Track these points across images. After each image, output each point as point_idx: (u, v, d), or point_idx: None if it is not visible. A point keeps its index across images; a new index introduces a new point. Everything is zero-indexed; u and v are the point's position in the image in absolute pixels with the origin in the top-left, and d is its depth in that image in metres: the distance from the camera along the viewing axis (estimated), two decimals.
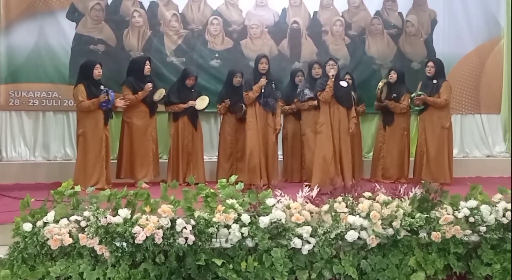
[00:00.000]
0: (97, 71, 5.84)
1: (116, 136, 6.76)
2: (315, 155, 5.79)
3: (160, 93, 6.20)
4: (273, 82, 6.00)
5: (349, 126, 5.79)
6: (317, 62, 6.47)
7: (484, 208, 4.01)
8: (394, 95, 6.71)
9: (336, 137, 5.74)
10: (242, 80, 6.40)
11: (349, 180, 5.52)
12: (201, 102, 6.34)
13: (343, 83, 5.82)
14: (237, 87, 6.41)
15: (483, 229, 3.94)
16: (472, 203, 4.04)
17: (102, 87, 5.87)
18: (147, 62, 6.19)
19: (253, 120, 5.89)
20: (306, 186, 4.97)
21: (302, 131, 6.53)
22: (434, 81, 6.42)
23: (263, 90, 5.87)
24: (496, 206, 4.06)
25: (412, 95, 6.47)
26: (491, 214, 3.99)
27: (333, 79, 5.67)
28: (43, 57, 6.86)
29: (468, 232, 3.93)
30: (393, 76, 6.77)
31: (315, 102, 6.08)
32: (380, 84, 6.77)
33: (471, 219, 3.96)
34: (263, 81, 5.83)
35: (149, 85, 6.05)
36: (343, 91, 5.77)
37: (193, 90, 6.40)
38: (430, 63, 6.54)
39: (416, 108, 6.59)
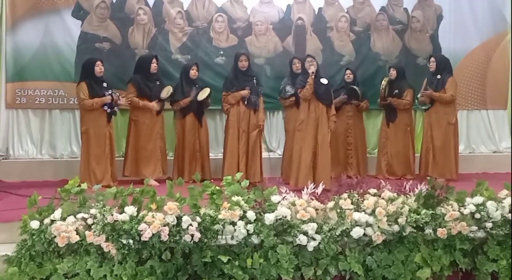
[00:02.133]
0: (98, 68, 5.86)
1: (122, 134, 6.80)
2: (294, 153, 5.73)
3: (168, 90, 6.21)
4: (254, 78, 6.01)
5: (329, 124, 5.70)
6: (296, 58, 6.47)
7: (490, 204, 4.00)
8: (396, 91, 6.70)
9: (315, 135, 5.65)
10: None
11: (325, 179, 5.33)
12: (202, 94, 6.32)
13: (323, 81, 5.71)
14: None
15: (489, 225, 3.93)
16: (478, 199, 4.03)
17: (105, 84, 5.89)
18: (154, 60, 6.21)
19: (234, 119, 5.92)
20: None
21: (285, 128, 6.52)
22: (438, 76, 6.42)
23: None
24: (502, 202, 4.05)
25: (418, 95, 6.47)
26: (497, 210, 3.98)
27: (313, 76, 5.63)
28: (49, 55, 6.88)
29: (474, 228, 3.92)
30: (393, 73, 6.77)
31: (294, 98, 6.03)
32: (384, 83, 6.75)
33: (477, 215, 3.95)
34: (245, 92, 5.87)
35: (156, 107, 6.08)
36: (323, 89, 5.68)
37: (196, 85, 6.40)
38: (432, 58, 6.57)
39: (423, 107, 6.58)
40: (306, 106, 5.70)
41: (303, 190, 3.99)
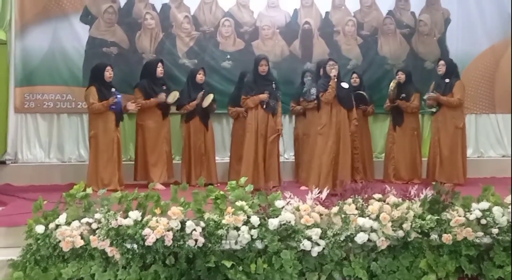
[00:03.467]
0: (108, 73, 5.90)
1: (129, 138, 6.84)
2: (315, 157, 5.74)
3: (174, 95, 6.23)
4: (273, 82, 6.00)
5: (350, 128, 5.74)
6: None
7: (496, 210, 3.96)
8: (403, 95, 6.66)
9: (336, 139, 5.68)
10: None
11: (346, 181, 5.38)
12: (206, 100, 6.34)
13: (344, 85, 5.76)
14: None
15: (495, 231, 3.90)
16: (484, 204, 4.00)
17: (113, 89, 5.92)
18: (160, 64, 6.24)
19: (252, 123, 5.90)
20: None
21: (306, 131, 6.51)
22: (447, 80, 6.37)
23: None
24: (508, 208, 4.01)
25: (425, 97, 6.43)
26: (503, 215, 3.94)
27: (335, 80, 5.62)
28: (57, 60, 6.94)
29: (480, 234, 3.89)
30: (401, 76, 6.72)
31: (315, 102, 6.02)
32: (392, 85, 6.72)
33: (483, 221, 3.92)
34: (265, 96, 5.85)
35: (163, 96, 6.10)
36: (344, 93, 5.71)
37: (203, 90, 6.41)
38: (441, 62, 6.51)
39: (431, 110, 6.54)
40: (328, 110, 5.73)
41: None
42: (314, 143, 5.93)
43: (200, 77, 6.39)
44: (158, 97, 6.10)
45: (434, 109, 6.51)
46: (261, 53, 6.46)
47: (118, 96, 5.86)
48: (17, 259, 3.62)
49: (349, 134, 5.76)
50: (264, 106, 5.89)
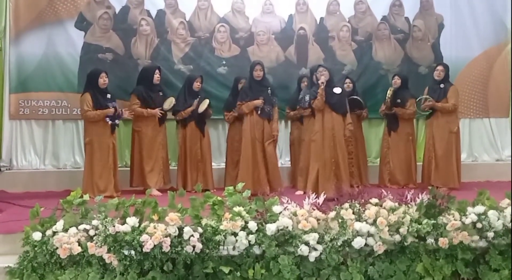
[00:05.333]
0: (102, 80, 5.88)
1: (125, 144, 6.84)
2: (311, 163, 5.77)
3: (170, 102, 6.25)
4: (269, 88, 6.01)
5: (344, 133, 5.74)
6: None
7: (492, 214, 3.98)
8: (398, 101, 6.69)
9: (331, 145, 5.68)
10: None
11: (346, 187, 5.39)
12: (202, 106, 6.36)
13: (337, 90, 5.74)
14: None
15: (490, 234, 3.92)
16: (480, 208, 4.02)
17: (109, 96, 5.92)
18: (157, 71, 6.26)
19: (248, 129, 5.91)
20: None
21: (302, 137, 6.53)
22: (442, 85, 6.41)
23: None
24: (503, 212, 4.03)
25: (418, 99, 6.46)
26: (498, 219, 3.96)
27: (322, 87, 5.63)
28: (52, 66, 6.94)
29: (476, 238, 3.91)
30: (397, 81, 6.74)
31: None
32: (389, 92, 6.74)
33: (479, 225, 3.94)
34: (259, 102, 5.86)
35: (158, 112, 6.13)
36: (336, 98, 5.70)
37: (199, 96, 6.42)
38: (440, 67, 6.51)
39: (423, 113, 6.59)
40: (320, 116, 5.74)
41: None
42: (308, 149, 5.94)
43: (197, 85, 6.40)
44: (155, 111, 6.11)
45: (426, 113, 6.54)
46: (256, 59, 6.49)
47: (120, 110, 5.87)
48: (14, 266, 3.61)
49: (344, 139, 5.76)
50: (259, 112, 5.91)
